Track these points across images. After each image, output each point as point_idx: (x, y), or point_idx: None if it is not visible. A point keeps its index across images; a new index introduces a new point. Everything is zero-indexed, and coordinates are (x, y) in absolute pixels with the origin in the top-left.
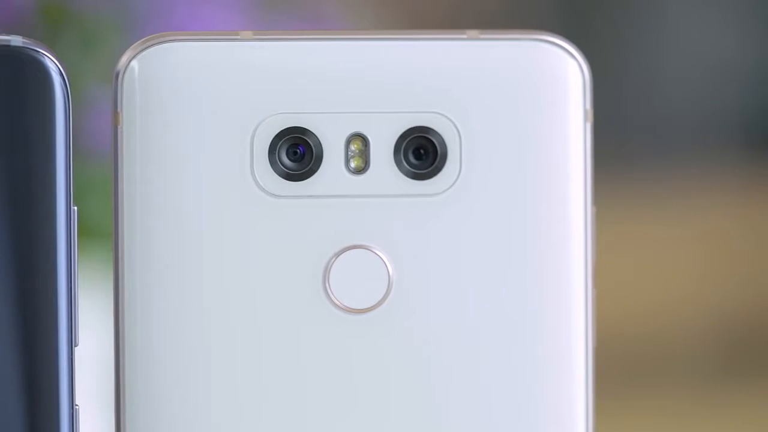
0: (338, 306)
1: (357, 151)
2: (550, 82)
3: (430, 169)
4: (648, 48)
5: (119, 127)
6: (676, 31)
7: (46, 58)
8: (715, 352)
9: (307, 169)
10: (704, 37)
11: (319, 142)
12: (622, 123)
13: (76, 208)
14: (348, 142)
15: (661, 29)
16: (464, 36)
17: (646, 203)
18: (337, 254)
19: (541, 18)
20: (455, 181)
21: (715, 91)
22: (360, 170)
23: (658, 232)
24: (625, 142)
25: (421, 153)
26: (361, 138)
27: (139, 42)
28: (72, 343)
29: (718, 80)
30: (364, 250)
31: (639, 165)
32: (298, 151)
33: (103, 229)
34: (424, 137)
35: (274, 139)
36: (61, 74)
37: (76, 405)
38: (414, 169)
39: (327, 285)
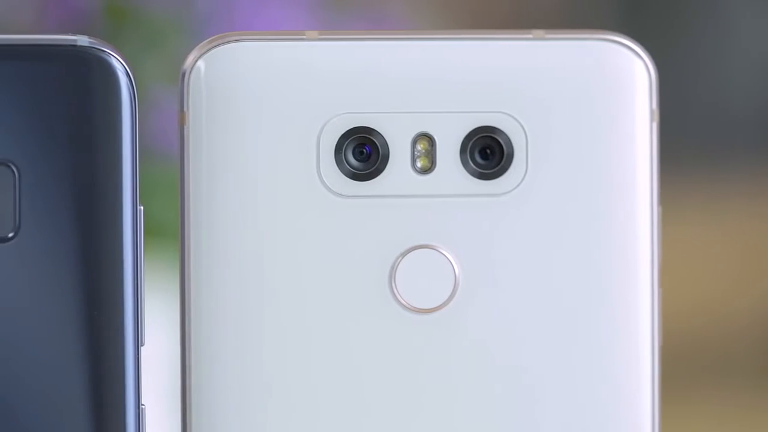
0: (404, 306)
1: (423, 150)
2: (617, 81)
3: (496, 168)
4: (706, 48)
5: (185, 127)
6: (736, 30)
7: (112, 57)
8: (755, 352)
9: (373, 168)
10: (765, 37)
11: (386, 142)
12: (667, 123)
13: (142, 207)
14: (414, 141)
15: (722, 28)
16: (530, 36)
17: (691, 204)
18: (404, 254)
19: (602, 17)
20: (521, 181)
21: (758, 92)
22: (426, 170)
23: (702, 233)
24: (673, 143)
25: (488, 153)
26: (428, 138)
27: (205, 42)
28: (138, 343)
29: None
30: (430, 249)
31: (684, 166)
32: (364, 150)
33: (167, 229)
34: (491, 137)
35: (340, 138)
36: (128, 74)
37: (142, 404)
38: (480, 168)
39: (393, 285)
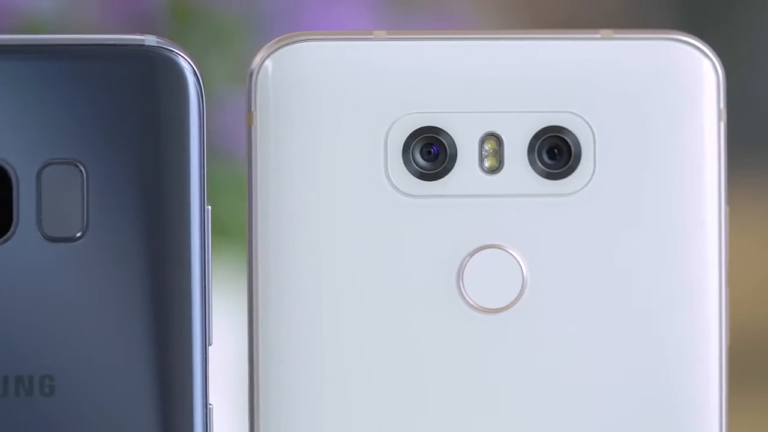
0: (472, 305)
1: (491, 150)
2: (685, 81)
3: (563, 168)
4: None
5: (253, 126)
6: None
7: (180, 57)
8: None
9: (440, 168)
10: None
11: (453, 142)
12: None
13: (209, 207)
14: (482, 141)
15: None
16: (598, 36)
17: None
18: (471, 254)
19: (661, 17)
20: (589, 181)
21: None
22: (494, 170)
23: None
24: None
25: (555, 153)
26: (495, 137)
27: (272, 42)
28: (206, 343)
29: None
30: (497, 249)
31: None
32: (432, 150)
33: (231, 229)
34: (558, 137)
35: (408, 138)
36: (195, 74)
37: (210, 404)
38: (548, 168)
39: (461, 284)
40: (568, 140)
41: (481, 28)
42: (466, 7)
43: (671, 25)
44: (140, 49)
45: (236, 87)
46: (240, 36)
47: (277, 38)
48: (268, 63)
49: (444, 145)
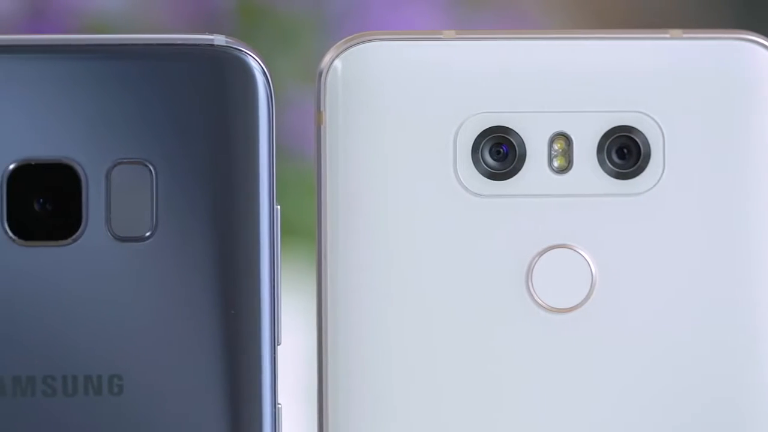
0: (541, 305)
1: (560, 150)
2: (755, 81)
3: (633, 168)
4: None
5: (322, 126)
6: None
7: (249, 57)
8: None
9: (510, 168)
10: None
11: (523, 142)
12: None
13: (279, 206)
14: (551, 141)
15: None
16: (667, 35)
17: None
18: (540, 253)
19: (719, 16)
20: (658, 181)
21: None
22: (563, 170)
23: None
24: None
25: (624, 152)
26: (565, 137)
27: (341, 41)
28: (275, 342)
29: None
30: (567, 249)
31: None
32: (501, 150)
33: (300, 228)
34: (628, 136)
35: (477, 138)
36: (264, 73)
37: (279, 403)
38: (617, 168)
39: (530, 284)
40: (638, 140)
41: (547, 28)
42: (533, 7)
43: (733, 24)
44: (210, 49)
45: (303, 86)
46: (307, 35)
47: (346, 38)
48: (337, 63)
49: (513, 144)
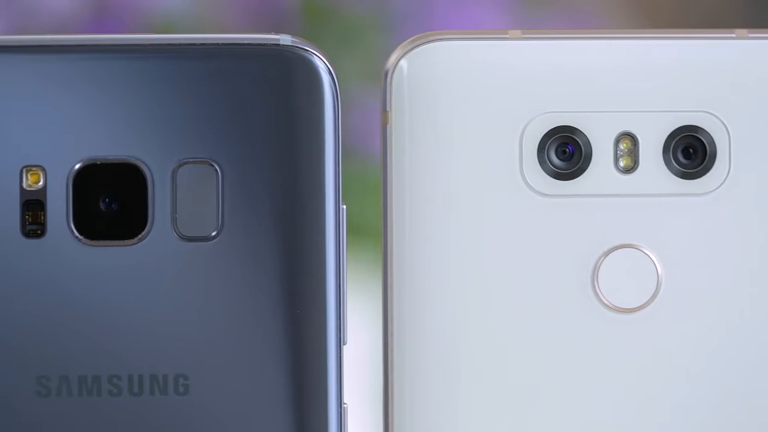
0: (606, 305)
1: (626, 150)
2: None
3: (698, 168)
4: None
5: (388, 126)
6: None
7: (315, 56)
8: None
9: (576, 168)
10: None
11: (588, 141)
12: None
13: (344, 206)
14: (617, 141)
15: None
16: (733, 35)
17: None
18: (606, 253)
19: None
20: (724, 181)
21: None
22: (629, 169)
23: None
24: None
25: (690, 152)
26: (631, 137)
27: (407, 41)
28: (341, 342)
29: None
30: (633, 249)
31: None
32: (567, 150)
33: (363, 227)
34: (693, 136)
35: (543, 137)
36: (330, 73)
37: (345, 403)
38: (683, 168)
39: (596, 284)
40: (704, 140)
41: (611, 28)
42: (597, 7)
43: None
44: (276, 49)
45: (367, 86)
46: (371, 35)
47: (412, 38)
48: (403, 63)
49: (579, 144)
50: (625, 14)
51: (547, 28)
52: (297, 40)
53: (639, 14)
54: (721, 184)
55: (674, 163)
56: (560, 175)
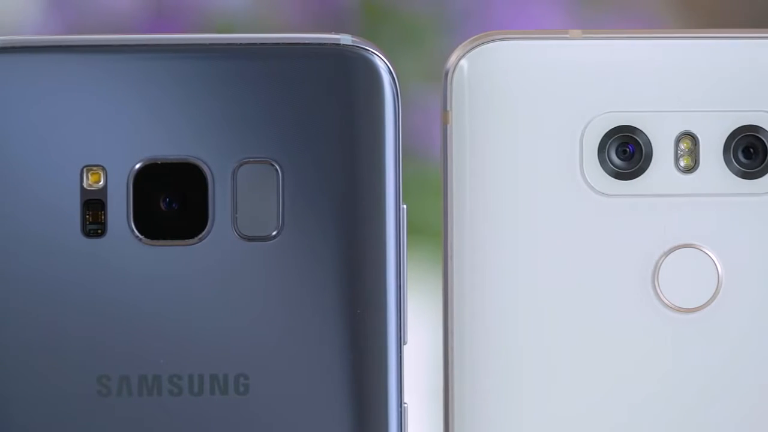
0: (667, 305)
1: (686, 150)
2: None
3: (759, 168)
4: None
5: (448, 126)
6: None
7: (375, 56)
8: None
9: (636, 167)
10: None
11: (649, 141)
12: None
13: (405, 206)
14: (678, 140)
15: None
16: None
17: None
18: (667, 253)
19: None
20: None
21: None
22: (689, 169)
23: None
24: None
25: (751, 152)
26: (691, 137)
27: (467, 41)
28: (401, 342)
29: None
30: (693, 249)
31: None
32: (627, 149)
33: (422, 227)
34: (754, 136)
35: (603, 137)
36: (390, 72)
37: (405, 403)
38: (743, 168)
39: (656, 284)
40: (764, 139)
41: (669, 28)
42: (656, 7)
43: None
44: (336, 48)
45: (425, 86)
46: (429, 35)
47: (472, 37)
48: (463, 62)
49: (640, 144)
50: (681, 14)
51: (606, 28)
52: (357, 40)
53: (697, 14)
54: None
55: (734, 162)
56: (621, 175)
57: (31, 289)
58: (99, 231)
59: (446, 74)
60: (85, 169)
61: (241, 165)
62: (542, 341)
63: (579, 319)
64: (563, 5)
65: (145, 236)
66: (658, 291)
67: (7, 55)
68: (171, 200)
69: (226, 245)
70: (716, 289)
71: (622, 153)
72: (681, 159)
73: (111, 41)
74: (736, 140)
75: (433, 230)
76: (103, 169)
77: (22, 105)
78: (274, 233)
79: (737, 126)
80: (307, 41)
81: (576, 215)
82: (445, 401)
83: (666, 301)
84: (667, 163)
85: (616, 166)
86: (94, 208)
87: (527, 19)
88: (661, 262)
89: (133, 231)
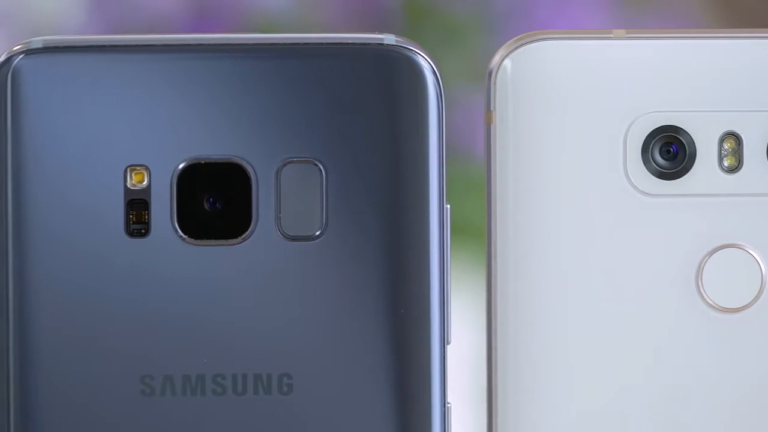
0: (710, 305)
1: (730, 149)
2: None
3: None
4: None
5: (492, 125)
6: None
7: (419, 56)
8: None
9: (680, 167)
10: None
11: (693, 141)
12: None
13: (449, 206)
14: (721, 140)
15: None
16: None
17: None
18: (710, 253)
19: None
20: None
21: None
22: (733, 169)
23: None
24: None
25: None
26: (735, 137)
27: (511, 41)
28: (444, 341)
29: None
30: (737, 249)
31: None
32: (671, 149)
33: (465, 227)
34: None
35: (647, 137)
36: (434, 72)
37: (448, 403)
38: None
39: (700, 284)
40: None
41: (710, 28)
42: (697, 7)
43: None
44: (380, 48)
45: (467, 86)
46: (472, 35)
47: (516, 37)
48: (507, 62)
49: (683, 144)
50: (722, 15)
51: (648, 28)
52: (401, 40)
53: (737, 14)
54: None
55: None
56: (664, 175)
57: (75, 289)
58: (143, 231)
59: (490, 74)
60: (128, 169)
61: (284, 165)
62: (585, 340)
63: (622, 318)
64: (604, 6)
65: (189, 236)
66: (702, 291)
67: (52, 55)
68: (214, 200)
69: (270, 245)
70: (760, 289)
71: (665, 153)
72: (725, 159)
73: (155, 41)
74: None
75: (476, 230)
76: (147, 168)
77: (66, 105)
78: (318, 233)
79: None
80: (350, 41)
81: (619, 215)
82: (489, 401)
83: (709, 301)
84: (711, 162)
85: (659, 166)
86: (137, 208)
87: (568, 19)
88: (704, 262)
89: (176, 231)
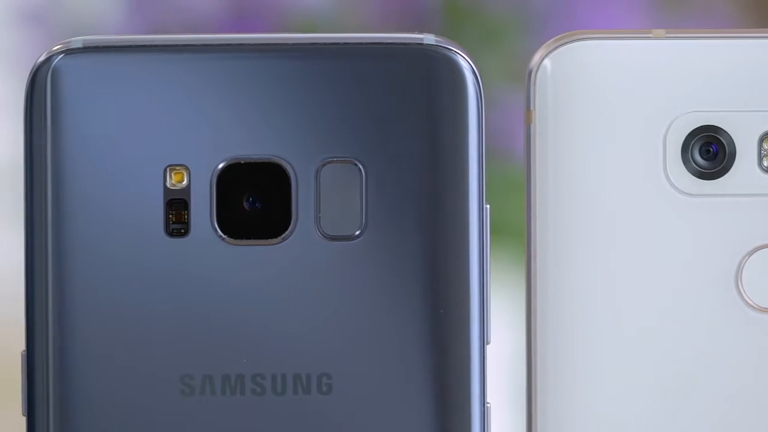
0: (750, 305)
1: None
2: None
3: None
4: None
5: (532, 125)
6: None
7: (459, 56)
8: None
9: (720, 167)
10: None
11: (732, 141)
12: None
13: (488, 206)
14: (761, 140)
15: None
16: None
17: None
18: (750, 253)
19: None
20: None
21: None
22: None
23: None
24: None
25: None
26: None
27: (551, 40)
28: (484, 341)
29: None
30: None
31: None
32: (711, 149)
33: (504, 227)
34: None
35: (687, 137)
36: (474, 72)
37: (488, 403)
38: None
39: (739, 284)
40: None
41: (748, 28)
42: (734, 7)
43: None
44: (419, 48)
45: (507, 85)
46: (511, 35)
47: (556, 37)
48: (546, 62)
49: (723, 144)
50: (760, 16)
51: (686, 27)
52: (441, 40)
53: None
54: None
55: None
56: (704, 175)
57: (115, 289)
58: (182, 230)
59: (529, 74)
60: (168, 169)
61: (324, 165)
62: (625, 340)
63: (662, 318)
64: (642, 6)
65: (228, 236)
66: (742, 291)
67: (92, 54)
68: (254, 200)
69: (309, 245)
70: None
71: (705, 153)
72: (764, 159)
73: (194, 41)
74: None
75: (515, 230)
76: (187, 168)
77: (105, 105)
78: (358, 233)
79: None
80: (390, 41)
81: (659, 215)
82: (528, 401)
83: (749, 301)
84: (751, 162)
85: (699, 166)
86: (177, 208)
87: (607, 19)
88: (744, 261)
89: (216, 230)
